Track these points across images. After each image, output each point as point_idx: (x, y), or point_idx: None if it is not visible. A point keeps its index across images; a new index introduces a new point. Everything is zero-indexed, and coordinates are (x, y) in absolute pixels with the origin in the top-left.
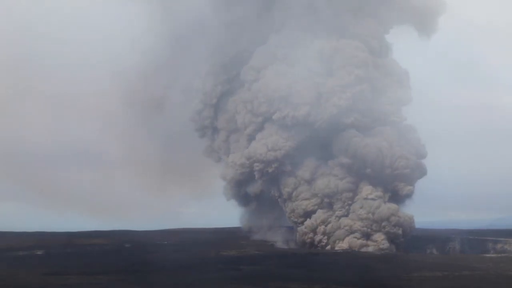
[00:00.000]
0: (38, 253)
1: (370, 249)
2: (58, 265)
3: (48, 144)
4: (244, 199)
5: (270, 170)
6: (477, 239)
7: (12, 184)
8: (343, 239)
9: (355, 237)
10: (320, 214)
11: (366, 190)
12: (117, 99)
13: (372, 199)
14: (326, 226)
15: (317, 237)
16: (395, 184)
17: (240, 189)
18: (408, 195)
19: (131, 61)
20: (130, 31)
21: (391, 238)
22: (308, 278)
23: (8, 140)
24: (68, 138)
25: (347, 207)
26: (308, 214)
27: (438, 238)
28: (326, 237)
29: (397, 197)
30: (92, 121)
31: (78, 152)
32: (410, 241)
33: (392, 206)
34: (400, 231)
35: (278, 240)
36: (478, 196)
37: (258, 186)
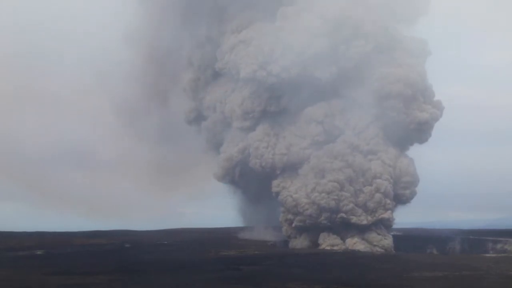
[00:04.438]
0: (38, 253)
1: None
2: (58, 265)
3: (48, 144)
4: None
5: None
6: (477, 239)
7: (12, 184)
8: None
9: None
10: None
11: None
12: (115, 99)
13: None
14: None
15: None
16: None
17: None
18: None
19: (128, 61)
20: (123, 30)
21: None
22: (308, 278)
23: (8, 140)
24: (68, 139)
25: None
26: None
27: (438, 238)
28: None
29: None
30: (91, 121)
31: (77, 153)
32: (410, 241)
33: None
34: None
35: (270, 237)
36: (478, 196)
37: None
